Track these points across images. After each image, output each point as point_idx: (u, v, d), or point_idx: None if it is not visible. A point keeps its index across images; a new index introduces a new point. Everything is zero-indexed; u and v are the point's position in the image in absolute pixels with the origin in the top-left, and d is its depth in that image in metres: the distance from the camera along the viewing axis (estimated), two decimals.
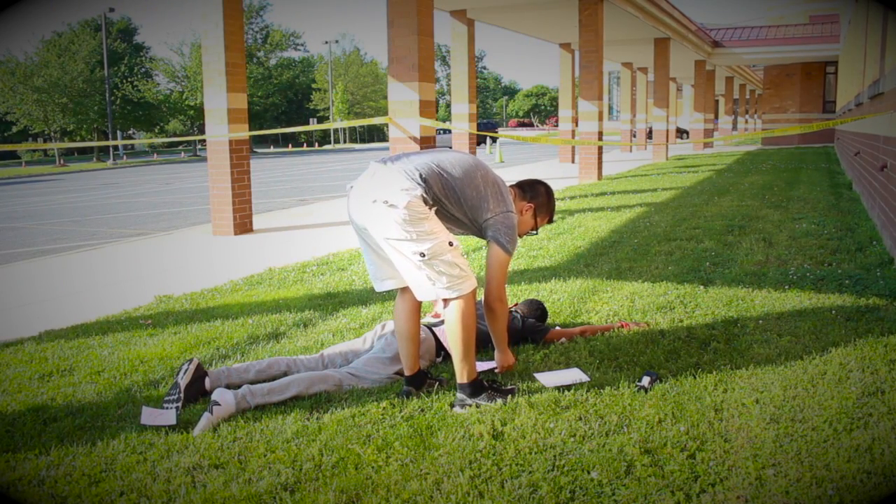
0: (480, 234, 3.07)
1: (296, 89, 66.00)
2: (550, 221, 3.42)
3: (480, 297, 3.54)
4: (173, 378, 3.19)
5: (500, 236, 2.99)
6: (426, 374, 3.19)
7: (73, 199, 16.78)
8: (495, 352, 3.31)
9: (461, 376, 2.94)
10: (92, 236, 9.85)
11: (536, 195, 3.31)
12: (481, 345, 3.60)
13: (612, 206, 9.61)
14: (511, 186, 3.24)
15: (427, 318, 4.04)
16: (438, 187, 2.90)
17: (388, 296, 4.81)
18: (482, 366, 3.27)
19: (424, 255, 2.80)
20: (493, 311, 3.09)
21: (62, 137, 46.78)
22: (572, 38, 21.38)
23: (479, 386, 2.96)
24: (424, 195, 2.83)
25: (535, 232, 3.37)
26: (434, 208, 2.89)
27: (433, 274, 2.82)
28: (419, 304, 3.05)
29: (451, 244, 2.85)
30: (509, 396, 2.96)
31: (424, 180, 2.86)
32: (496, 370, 3.31)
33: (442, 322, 3.60)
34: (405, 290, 3.02)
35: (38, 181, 25.96)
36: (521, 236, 3.28)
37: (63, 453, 2.61)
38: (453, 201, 2.95)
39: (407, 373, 3.09)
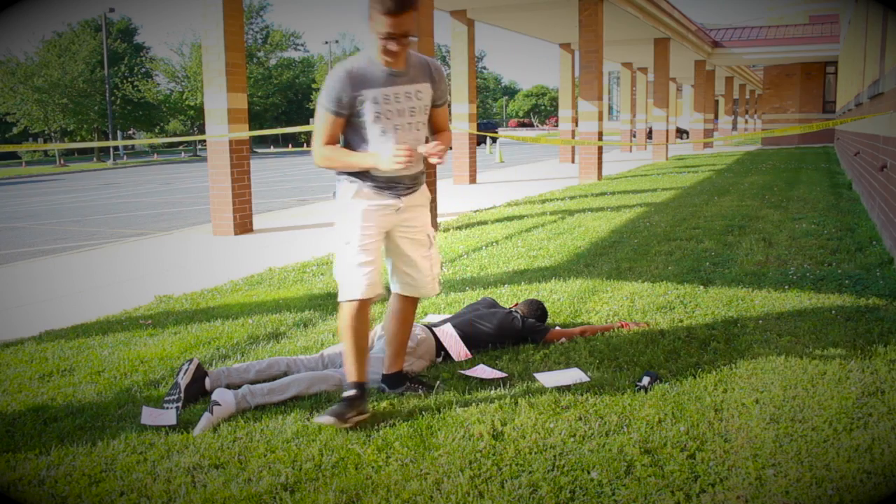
0: None
1: (296, 89, 65.94)
2: (389, 14, 2.64)
3: (483, 298, 3.52)
4: (173, 378, 3.19)
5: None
6: (406, 377, 3.18)
7: (73, 199, 16.78)
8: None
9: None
10: (92, 236, 9.85)
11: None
12: (481, 345, 3.61)
13: (612, 206, 9.61)
14: None
15: (428, 318, 4.05)
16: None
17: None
18: (470, 372, 3.26)
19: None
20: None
21: (62, 137, 46.77)
22: (572, 38, 21.37)
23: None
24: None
25: (391, 40, 2.69)
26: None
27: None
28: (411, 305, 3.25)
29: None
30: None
31: None
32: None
33: (442, 322, 3.61)
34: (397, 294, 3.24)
35: (38, 181, 25.96)
36: (386, 51, 2.72)
37: (63, 453, 2.61)
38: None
39: (384, 371, 3.18)
